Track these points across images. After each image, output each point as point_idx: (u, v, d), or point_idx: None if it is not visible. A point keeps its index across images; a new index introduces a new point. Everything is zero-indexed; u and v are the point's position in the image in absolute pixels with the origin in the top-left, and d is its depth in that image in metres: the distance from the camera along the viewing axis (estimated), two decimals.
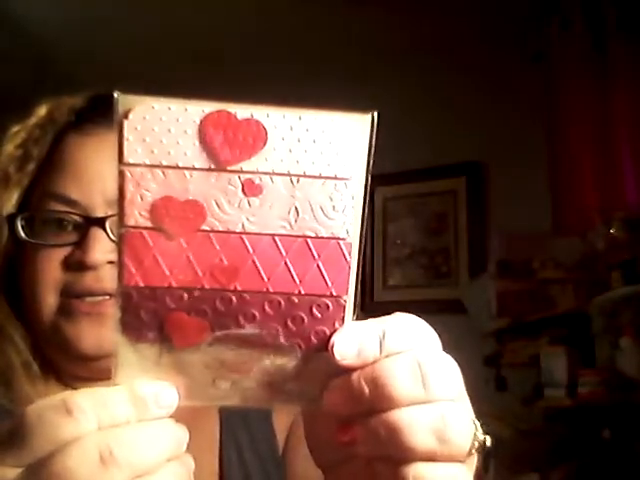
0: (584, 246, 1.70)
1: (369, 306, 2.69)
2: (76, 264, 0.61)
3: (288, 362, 0.36)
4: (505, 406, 1.93)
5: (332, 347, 0.35)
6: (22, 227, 0.61)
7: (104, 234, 0.61)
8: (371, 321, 0.38)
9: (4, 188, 0.63)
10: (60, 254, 0.61)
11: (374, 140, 0.38)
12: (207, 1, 2.53)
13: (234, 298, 0.34)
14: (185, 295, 0.34)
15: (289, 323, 0.35)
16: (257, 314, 0.35)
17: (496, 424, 1.75)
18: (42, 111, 0.66)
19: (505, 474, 1.65)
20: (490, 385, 2.20)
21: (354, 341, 0.36)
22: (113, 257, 0.59)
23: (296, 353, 0.36)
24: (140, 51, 2.87)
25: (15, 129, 0.68)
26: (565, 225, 2.10)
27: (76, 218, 0.61)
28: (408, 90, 2.86)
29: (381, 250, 2.72)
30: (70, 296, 0.61)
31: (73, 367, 0.65)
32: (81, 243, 0.60)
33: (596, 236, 1.66)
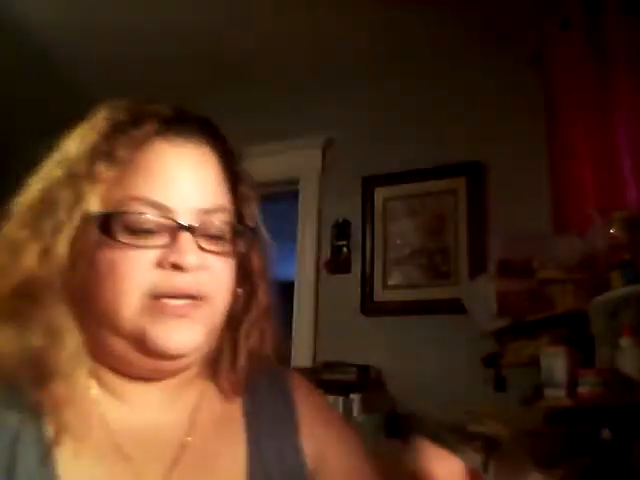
0: (584, 246, 1.70)
1: (369, 306, 2.69)
2: (170, 265, 0.63)
3: None
4: (505, 406, 1.93)
5: None
6: (112, 228, 0.63)
7: (193, 239, 0.64)
8: None
9: (90, 185, 0.64)
10: (150, 255, 0.63)
11: None
12: (207, 1, 2.53)
13: None
14: None
15: None
16: None
17: (496, 424, 1.75)
18: (120, 114, 0.67)
19: (505, 474, 1.65)
20: (490, 385, 2.20)
21: None
22: (202, 262, 0.64)
23: None
24: (140, 51, 2.87)
25: (84, 128, 0.68)
26: (565, 225, 2.10)
27: (167, 223, 0.64)
28: (408, 90, 2.86)
29: (381, 250, 2.72)
30: (158, 297, 0.63)
31: (130, 369, 0.67)
32: (173, 246, 0.63)
33: (596, 236, 1.66)
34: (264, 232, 0.76)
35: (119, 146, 0.64)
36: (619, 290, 1.52)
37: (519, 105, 2.55)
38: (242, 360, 0.74)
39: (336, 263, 2.81)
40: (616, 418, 1.51)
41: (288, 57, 2.90)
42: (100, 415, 0.66)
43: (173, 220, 0.64)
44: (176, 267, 0.63)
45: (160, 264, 0.63)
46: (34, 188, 0.67)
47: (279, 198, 3.00)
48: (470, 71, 2.73)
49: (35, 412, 0.62)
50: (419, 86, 2.84)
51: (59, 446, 0.61)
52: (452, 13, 2.52)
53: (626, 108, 1.81)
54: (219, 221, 0.68)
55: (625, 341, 1.49)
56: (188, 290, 0.64)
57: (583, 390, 1.48)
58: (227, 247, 0.68)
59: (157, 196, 0.64)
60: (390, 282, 2.68)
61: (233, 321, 0.74)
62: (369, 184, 2.81)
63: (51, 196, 0.64)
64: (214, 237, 0.67)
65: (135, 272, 0.62)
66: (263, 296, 0.75)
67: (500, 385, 2.19)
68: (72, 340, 0.63)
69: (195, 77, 3.07)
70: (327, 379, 2.33)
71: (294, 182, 3.01)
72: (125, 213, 0.63)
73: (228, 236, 0.69)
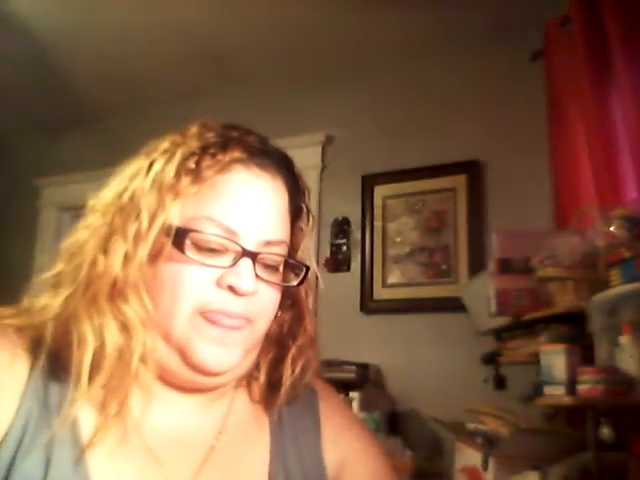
0: (584, 244, 1.70)
1: (368, 304, 2.69)
2: (227, 287, 0.66)
3: None
4: (504, 404, 1.93)
5: None
6: (187, 245, 0.66)
7: (253, 266, 0.67)
8: None
9: (174, 197, 0.66)
10: (211, 274, 0.66)
11: None
12: (208, 1, 2.53)
13: None
14: None
15: None
16: None
17: (496, 423, 1.75)
18: (211, 136, 0.71)
19: (504, 472, 1.65)
20: (489, 383, 2.20)
21: None
22: (256, 288, 0.67)
23: None
24: (140, 51, 2.86)
25: (174, 141, 0.71)
26: (565, 223, 2.10)
27: (232, 246, 0.67)
28: (408, 89, 2.86)
29: (381, 248, 2.73)
30: (210, 314, 0.66)
31: (172, 377, 0.69)
32: (234, 269, 0.67)
33: (595, 234, 1.66)
34: (314, 266, 0.79)
35: (205, 167, 0.68)
36: (618, 288, 1.52)
37: (519, 103, 2.55)
38: (286, 387, 0.77)
39: (335, 261, 2.81)
40: (616, 416, 1.51)
41: (288, 56, 2.90)
42: (135, 416, 0.67)
43: (238, 244, 0.67)
44: (232, 290, 0.66)
45: (218, 284, 0.66)
46: (118, 189, 0.69)
47: None
48: (470, 69, 2.73)
49: (73, 412, 0.63)
50: (419, 84, 2.84)
51: (94, 448, 0.63)
52: (452, 11, 2.52)
53: (626, 106, 1.81)
54: (277, 253, 0.72)
55: (624, 339, 1.49)
56: (239, 313, 0.67)
57: (583, 388, 1.48)
58: (278, 278, 0.73)
59: (228, 220, 0.67)
60: (390, 280, 2.68)
61: (278, 344, 0.78)
62: (369, 182, 2.81)
63: (137, 202, 0.67)
64: (269, 267, 0.71)
65: (194, 286, 0.66)
66: (310, 325, 0.79)
67: (500, 383, 2.19)
68: (145, 342, 0.65)
69: (195, 76, 3.07)
70: (326, 377, 2.33)
71: None
72: (197, 231, 0.66)
73: (281, 268, 0.73)
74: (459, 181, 2.63)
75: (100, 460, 0.63)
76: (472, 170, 2.61)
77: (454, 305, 2.38)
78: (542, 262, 1.80)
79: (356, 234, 2.80)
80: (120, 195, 0.68)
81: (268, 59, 2.93)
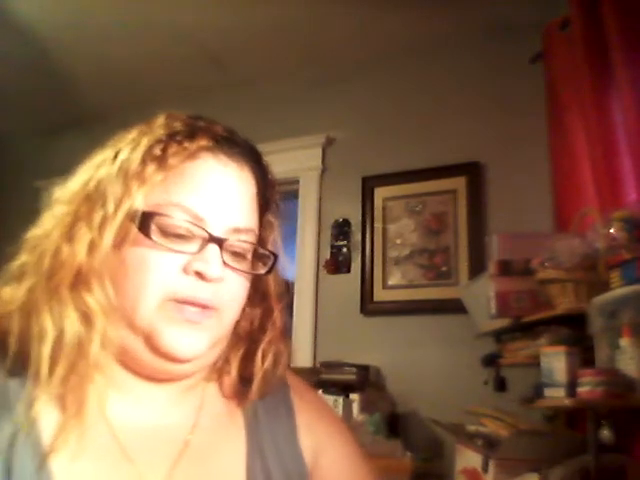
0: (584, 246, 1.70)
1: (369, 306, 2.69)
2: (194, 273, 0.66)
3: None
4: (504, 406, 1.93)
5: None
6: (153, 230, 0.66)
7: (220, 252, 0.67)
8: None
9: (139, 185, 0.66)
10: (179, 260, 0.66)
11: None
12: (208, 1, 2.53)
13: None
14: None
15: None
16: None
17: (496, 425, 1.75)
18: (178, 125, 0.71)
19: (504, 474, 1.65)
20: (490, 385, 2.20)
21: None
22: (223, 275, 0.67)
23: None
24: (140, 51, 2.87)
25: (140, 131, 0.71)
26: (565, 225, 2.10)
27: (200, 232, 0.67)
28: (409, 91, 2.86)
29: (381, 250, 2.72)
30: (177, 301, 0.66)
31: (141, 366, 0.68)
32: (201, 256, 0.66)
33: (596, 236, 1.66)
34: (283, 259, 0.79)
35: (171, 153, 0.68)
36: (619, 290, 1.52)
37: (519, 105, 2.55)
38: (258, 379, 0.76)
39: (336, 263, 2.81)
40: (616, 419, 1.51)
41: (288, 57, 2.90)
42: (104, 415, 0.66)
43: (205, 230, 0.67)
44: (199, 276, 0.66)
45: (185, 270, 0.66)
46: (83, 178, 0.70)
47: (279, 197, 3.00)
48: (470, 71, 2.73)
49: (33, 413, 0.62)
50: (419, 86, 2.84)
51: (57, 450, 0.61)
52: (452, 13, 2.53)
53: (626, 108, 1.81)
54: (245, 241, 0.72)
55: (625, 341, 1.49)
56: (207, 299, 0.67)
57: (583, 390, 1.48)
58: (246, 266, 0.72)
59: (195, 206, 0.67)
60: (390, 282, 2.68)
61: (248, 339, 0.78)
62: (369, 184, 2.81)
63: (102, 190, 0.67)
64: (237, 254, 0.71)
65: (160, 273, 0.65)
66: (279, 318, 0.78)
67: (500, 385, 2.19)
68: (106, 331, 0.65)
69: (195, 77, 3.07)
70: (327, 379, 2.33)
71: (294, 182, 3.01)
72: (163, 215, 0.66)
73: (249, 256, 0.73)
74: (459, 183, 2.63)
75: (64, 462, 0.62)
76: (472, 172, 2.61)
77: (454, 307, 2.38)
78: (542, 264, 1.80)
79: (356, 236, 2.80)
80: (86, 184, 0.68)
81: (268, 60, 2.93)
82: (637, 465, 1.52)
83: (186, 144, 0.68)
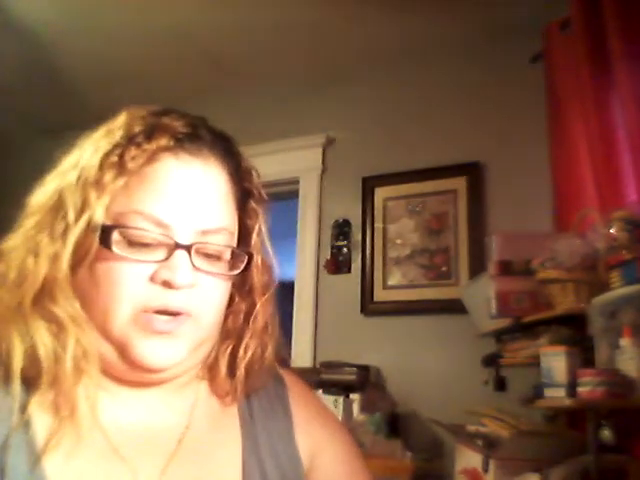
0: (584, 246, 1.70)
1: (369, 306, 2.69)
2: (163, 282, 0.64)
3: None
4: (505, 406, 1.93)
5: None
6: (115, 241, 0.64)
7: (188, 258, 0.65)
8: None
9: (98, 193, 0.65)
10: (146, 270, 0.64)
11: None
12: (208, 1, 2.53)
13: None
14: None
15: None
16: None
17: (496, 425, 1.75)
18: (136, 124, 0.68)
19: (505, 474, 1.65)
20: (490, 385, 2.20)
21: None
22: (194, 281, 0.65)
23: None
24: (141, 51, 2.87)
25: (101, 134, 0.70)
26: (565, 225, 2.10)
27: (165, 239, 0.65)
28: (409, 91, 2.86)
29: (381, 250, 2.72)
30: (147, 311, 0.64)
31: (124, 374, 0.68)
32: (168, 263, 0.64)
33: (596, 236, 1.66)
34: (268, 248, 0.77)
35: (129, 158, 0.65)
36: (619, 290, 1.52)
37: (519, 105, 2.55)
38: (241, 372, 0.75)
39: (336, 263, 2.81)
40: (616, 419, 1.51)
41: (288, 57, 2.90)
42: (97, 416, 0.66)
43: (170, 237, 0.65)
44: (168, 284, 0.64)
45: (153, 279, 0.64)
46: (50, 187, 0.68)
47: (279, 198, 3.00)
48: (470, 71, 2.73)
49: (26, 416, 0.62)
50: (419, 86, 2.84)
51: (50, 452, 0.61)
52: (452, 13, 2.52)
53: (626, 108, 1.81)
54: (218, 242, 0.69)
55: (625, 341, 1.49)
56: (178, 308, 0.65)
57: (583, 390, 1.48)
58: (223, 268, 0.70)
59: (158, 212, 0.65)
60: (390, 282, 2.68)
61: (233, 334, 0.76)
62: (369, 184, 2.81)
63: (63, 199, 0.66)
64: (211, 256, 0.69)
65: (127, 285, 0.64)
66: (262, 312, 0.76)
67: (500, 385, 2.19)
68: (80, 339, 0.64)
69: (195, 77, 3.07)
70: (327, 379, 2.33)
71: (294, 182, 3.01)
72: (125, 226, 0.64)
73: (226, 255, 0.70)
74: (459, 183, 2.63)
75: (58, 464, 0.62)
76: (472, 172, 2.61)
77: (454, 307, 2.38)
78: (542, 264, 1.80)
79: (357, 236, 2.80)
80: (50, 194, 0.67)
81: (268, 60, 2.93)
82: (637, 465, 1.52)
83: (145, 146, 0.66)
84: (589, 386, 1.47)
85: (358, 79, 2.96)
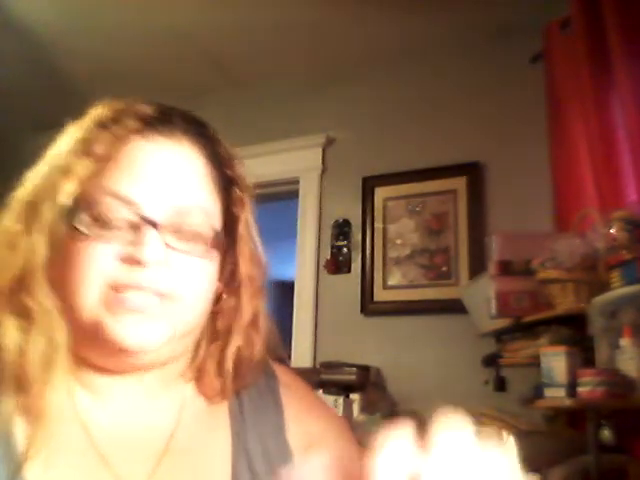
0: (584, 246, 1.70)
1: (369, 306, 2.69)
2: (130, 260, 0.63)
3: None
4: (505, 406, 1.93)
5: None
6: (81, 220, 0.63)
7: (157, 235, 0.63)
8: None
9: (64, 178, 0.64)
10: (114, 249, 0.63)
11: None
12: (208, 1, 2.53)
13: None
14: None
15: None
16: None
17: (496, 424, 1.75)
18: (105, 112, 0.68)
19: None
20: (490, 385, 2.20)
21: None
22: (164, 258, 0.63)
23: None
24: (141, 51, 2.87)
25: (74, 126, 0.69)
26: (565, 225, 2.10)
27: (133, 217, 0.64)
28: (409, 91, 2.86)
29: (381, 250, 2.72)
30: (118, 291, 0.63)
31: (105, 361, 0.66)
32: (136, 241, 0.63)
33: (596, 236, 1.66)
34: (256, 237, 0.75)
35: (97, 142, 0.65)
36: (619, 290, 1.52)
37: (519, 105, 2.55)
38: (228, 367, 0.73)
39: (336, 263, 2.81)
40: (616, 419, 1.51)
41: (288, 57, 2.90)
42: (79, 419, 0.65)
43: (139, 215, 0.63)
44: (135, 262, 0.62)
45: (121, 257, 0.63)
46: (29, 182, 0.68)
47: (279, 198, 3.00)
48: (470, 71, 2.73)
49: (4, 424, 0.61)
50: (419, 86, 2.84)
51: (29, 460, 0.60)
52: (452, 13, 2.52)
53: (626, 108, 1.81)
54: (196, 221, 0.67)
55: (625, 341, 1.49)
56: (147, 285, 0.63)
57: (583, 390, 1.48)
58: (203, 248, 0.68)
59: (125, 191, 0.64)
60: (390, 282, 2.68)
61: (223, 335, 0.74)
62: (369, 184, 2.81)
63: (37, 191, 0.65)
64: (189, 236, 0.67)
65: (95, 263, 0.62)
66: (249, 304, 0.74)
67: (500, 385, 2.19)
68: (53, 335, 0.63)
69: (195, 77, 3.07)
70: (327, 379, 2.33)
71: (294, 182, 3.01)
72: (92, 205, 0.63)
73: (207, 238, 0.68)
74: (460, 183, 2.63)
75: (39, 471, 0.60)
76: (472, 172, 2.61)
77: (455, 307, 2.38)
78: (542, 264, 1.80)
79: (357, 236, 2.80)
80: (27, 187, 0.67)
81: (268, 60, 2.93)
82: (637, 465, 1.52)
83: (113, 130, 0.65)
84: (589, 386, 1.47)
85: (358, 79, 2.96)
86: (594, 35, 1.96)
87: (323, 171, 2.97)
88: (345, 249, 2.81)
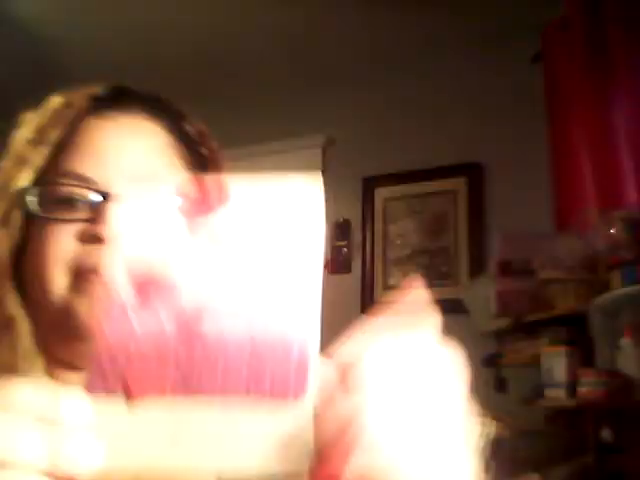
0: (584, 246, 1.70)
1: (369, 306, 2.69)
2: (91, 237, 0.60)
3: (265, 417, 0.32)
4: (505, 406, 1.93)
5: None
6: (34, 202, 0.61)
7: (118, 210, 0.60)
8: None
9: (18, 168, 0.63)
10: (74, 229, 0.60)
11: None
12: (208, 1, 2.53)
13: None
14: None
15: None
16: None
17: (496, 424, 1.75)
18: (58, 99, 0.67)
19: (505, 474, 1.65)
20: (490, 385, 2.20)
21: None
22: (127, 232, 0.58)
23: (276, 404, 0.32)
24: (140, 51, 2.87)
25: (29, 116, 0.68)
26: (565, 225, 2.10)
27: (90, 194, 0.61)
28: (408, 90, 2.86)
29: (381, 250, 2.72)
30: (83, 271, 0.60)
31: (77, 353, 0.63)
32: (96, 218, 0.60)
33: (596, 236, 1.66)
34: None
35: (48, 128, 0.64)
36: (619, 290, 1.52)
37: (519, 105, 2.55)
38: None
39: (336, 263, 2.81)
40: (616, 418, 1.51)
41: (288, 57, 2.90)
42: None
43: (94, 191, 0.61)
44: (95, 239, 0.59)
45: (81, 237, 0.60)
46: None
47: None
48: (470, 71, 2.73)
49: None
50: (419, 86, 2.84)
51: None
52: (452, 13, 2.52)
53: (626, 108, 1.81)
54: (157, 193, 0.66)
55: (625, 341, 1.49)
56: (110, 262, 0.61)
57: (583, 390, 1.48)
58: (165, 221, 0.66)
59: (82, 168, 0.62)
60: (390, 282, 2.68)
61: None
62: (369, 184, 2.81)
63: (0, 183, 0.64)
64: (150, 210, 0.65)
65: (58, 248, 0.60)
66: None
67: (500, 385, 2.19)
68: (26, 333, 0.61)
69: (195, 77, 3.07)
70: None
71: None
72: (49, 190, 0.61)
73: (169, 210, 0.66)
74: (459, 183, 2.63)
75: None
76: (472, 172, 2.61)
77: (455, 307, 2.37)
78: (543, 264, 1.80)
79: (357, 236, 2.80)
80: None
81: (268, 61, 2.93)
82: (637, 465, 1.52)
83: (67, 113, 0.64)
84: (589, 386, 1.47)
85: (358, 79, 2.96)
86: (594, 35, 1.96)
87: (323, 172, 2.97)
88: (345, 249, 2.81)
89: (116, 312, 0.32)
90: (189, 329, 0.31)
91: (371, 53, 2.84)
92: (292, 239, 0.33)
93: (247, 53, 2.88)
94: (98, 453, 0.32)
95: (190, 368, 0.30)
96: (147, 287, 0.33)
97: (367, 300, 2.70)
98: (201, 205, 0.33)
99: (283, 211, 0.34)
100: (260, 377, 0.32)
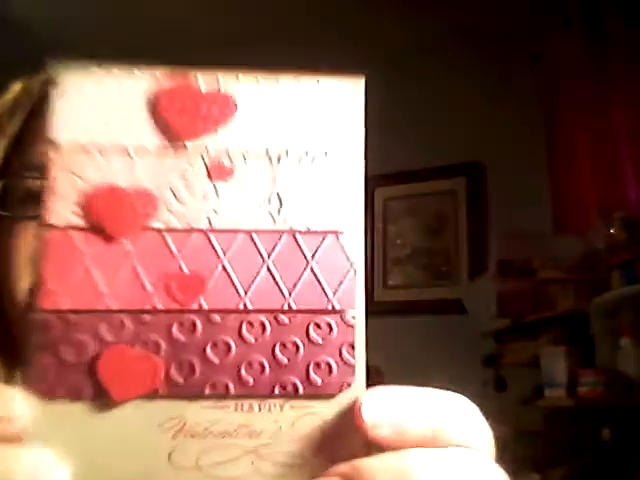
0: (584, 246, 1.70)
1: (369, 306, 2.68)
2: None
3: (280, 418, 0.26)
4: (505, 406, 1.93)
5: (359, 406, 0.26)
6: None
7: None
8: (415, 389, 0.27)
9: None
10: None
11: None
12: (208, 1, 2.53)
13: (199, 322, 0.25)
14: (128, 321, 0.24)
15: (278, 354, 0.26)
16: (232, 343, 0.25)
17: (496, 424, 1.75)
18: (17, 87, 0.65)
19: (505, 474, 1.65)
20: (490, 385, 2.20)
21: (392, 405, 0.26)
22: None
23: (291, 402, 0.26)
24: (140, 51, 2.87)
25: None
26: (565, 225, 2.10)
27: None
28: (408, 90, 2.86)
29: (381, 250, 2.72)
30: None
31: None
32: None
33: (596, 236, 1.66)
34: None
35: (7, 120, 0.62)
36: (619, 290, 1.52)
37: (519, 105, 2.55)
38: None
39: None
40: (616, 418, 1.51)
41: (287, 57, 2.90)
42: None
43: None
44: None
45: None
46: None
47: None
48: (470, 71, 2.72)
49: None
50: (419, 86, 2.84)
51: None
52: (452, 13, 2.52)
53: (626, 108, 1.81)
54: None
55: (625, 341, 1.49)
56: None
57: (583, 390, 1.48)
58: None
59: (42, 159, 0.59)
60: (390, 282, 2.68)
61: None
62: (369, 184, 2.80)
63: None
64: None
65: (21, 247, 0.56)
66: None
67: (500, 385, 2.19)
68: None
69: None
70: None
71: None
72: (11, 185, 0.57)
73: None
74: (460, 183, 2.63)
75: None
76: (473, 172, 2.61)
77: (455, 307, 2.38)
78: (543, 264, 1.80)
79: None
80: None
81: (267, 60, 2.94)
82: (637, 465, 1.52)
83: (23, 101, 0.63)
84: (589, 386, 1.47)
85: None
86: (594, 35, 1.96)
87: None
88: None
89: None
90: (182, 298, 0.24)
91: (370, 52, 2.84)
92: (330, 146, 0.28)
93: (247, 53, 2.88)
94: (60, 472, 0.23)
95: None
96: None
97: (367, 300, 2.69)
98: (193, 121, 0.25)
99: (320, 115, 0.28)
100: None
